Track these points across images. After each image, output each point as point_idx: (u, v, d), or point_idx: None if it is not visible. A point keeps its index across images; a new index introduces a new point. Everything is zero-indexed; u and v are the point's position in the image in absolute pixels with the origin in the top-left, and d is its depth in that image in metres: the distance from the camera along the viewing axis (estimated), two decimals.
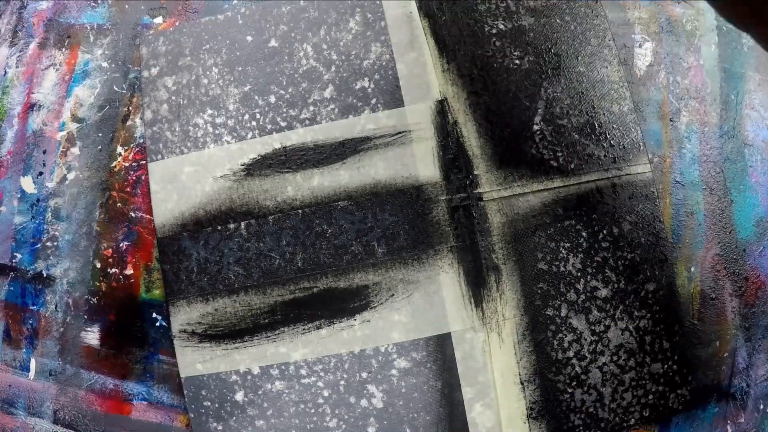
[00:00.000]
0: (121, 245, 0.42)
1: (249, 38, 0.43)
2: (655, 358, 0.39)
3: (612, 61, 0.42)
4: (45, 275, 0.42)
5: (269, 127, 0.41)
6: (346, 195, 0.40)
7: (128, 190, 0.42)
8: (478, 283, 0.39)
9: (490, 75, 0.41)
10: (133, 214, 0.42)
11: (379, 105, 0.41)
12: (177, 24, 0.44)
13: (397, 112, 0.41)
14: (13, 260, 0.42)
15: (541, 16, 0.42)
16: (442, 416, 0.38)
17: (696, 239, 0.41)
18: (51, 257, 0.42)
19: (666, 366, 0.39)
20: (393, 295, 0.39)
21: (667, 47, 0.43)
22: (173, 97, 0.42)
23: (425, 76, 0.41)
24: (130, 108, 0.43)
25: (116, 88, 0.44)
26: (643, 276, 0.39)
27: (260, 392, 0.39)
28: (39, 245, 0.42)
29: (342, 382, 0.39)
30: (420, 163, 0.40)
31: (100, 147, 0.43)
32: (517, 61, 0.41)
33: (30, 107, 0.44)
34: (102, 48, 0.45)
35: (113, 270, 0.41)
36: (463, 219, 0.40)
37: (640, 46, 0.43)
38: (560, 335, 0.39)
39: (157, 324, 0.41)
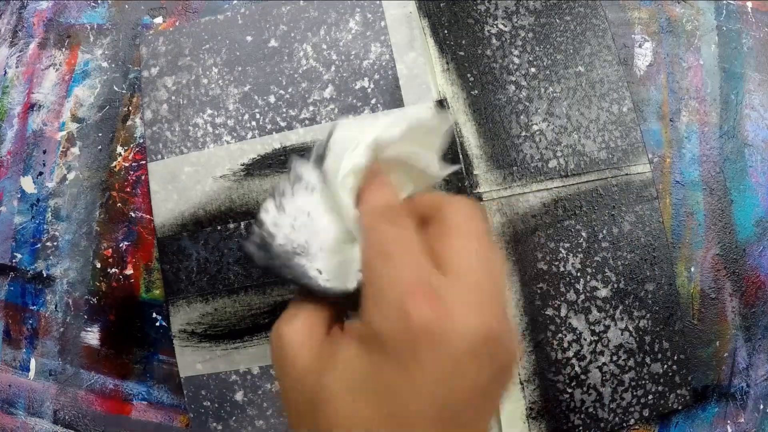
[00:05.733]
0: (121, 245, 0.42)
1: (249, 38, 0.43)
2: (655, 358, 0.39)
3: (612, 61, 0.42)
4: (45, 275, 0.42)
5: (269, 127, 0.41)
6: None
7: (128, 190, 0.42)
8: None
9: (490, 75, 0.41)
10: (133, 214, 0.42)
11: (378, 105, 0.41)
12: (177, 24, 0.44)
13: (396, 112, 0.41)
14: (13, 260, 0.42)
15: (541, 16, 0.42)
16: None
17: (696, 239, 0.41)
18: (51, 257, 0.42)
19: (666, 366, 0.39)
20: None
21: (667, 47, 0.43)
22: (173, 97, 0.42)
23: (425, 76, 0.41)
24: (130, 108, 0.43)
25: (116, 88, 0.44)
26: (642, 276, 0.39)
27: (260, 392, 0.39)
28: (39, 245, 0.42)
29: None
30: None
31: (100, 147, 0.43)
32: (516, 61, 0.41)
33: (30, 107, 0.44)
34: (102, 48, 0.45)
35: (113, 270, 0.41)
36: None
37: (640, 46, 0.43)
38: (560, 335, 0.39)
39: (157, 324, 0.41)
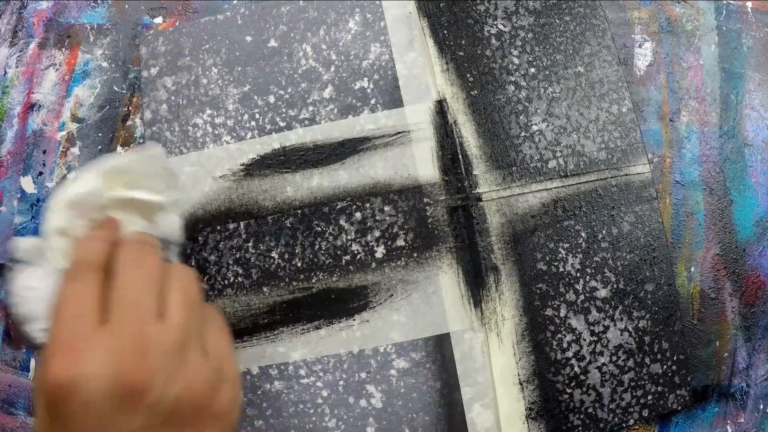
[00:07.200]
0: None
1: (248, 38, 0.43)
2: (655, 358, 0.39)
3: (611, 61, 0.42)
4: None
5: (268, 127, 0.41)
6: (346, 195, 0.40)
7: None
8: (477, 284, 0.39)
9: (489, 75, 0.41)
10: None
11: (378, 105, 0.41)
12: (177, 24, 0.44)
13: (396, 112, 0.41)
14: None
15: (540, 17, 0.42)
16: (440, 416, 0.38)
17: (696, 239, 0.41)
18: None
19: (665, 366, 0.39)
20: (392, 295, 0.39)
21: (667, 47, 0.43)
22: (173, 98, 0.43)
23: (425, 76, 0.41)
24: (130, 108, 0.43)
25: (116, 88, 0.44)
26: (642, 276, 0.39)
27: (259, 392, 0.39)
28: None
29: (341, 383, 0.39)
30: (419, 163, 0.40)
31: (100, 147, 0.43)
32: (516, 61, 0.41)
33: (30, 107, 0.45)
34: (102, 48, 0.45)
35: None
36: (462, 219, 0.40)
37: (640, 46, 0.43)
38: (559, 336, 0.39)
39: None
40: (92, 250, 0.28)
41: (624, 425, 0.39)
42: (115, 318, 0.25)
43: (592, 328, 0.39)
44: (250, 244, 0.40)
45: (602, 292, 0.39)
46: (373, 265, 0.40)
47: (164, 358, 0.25)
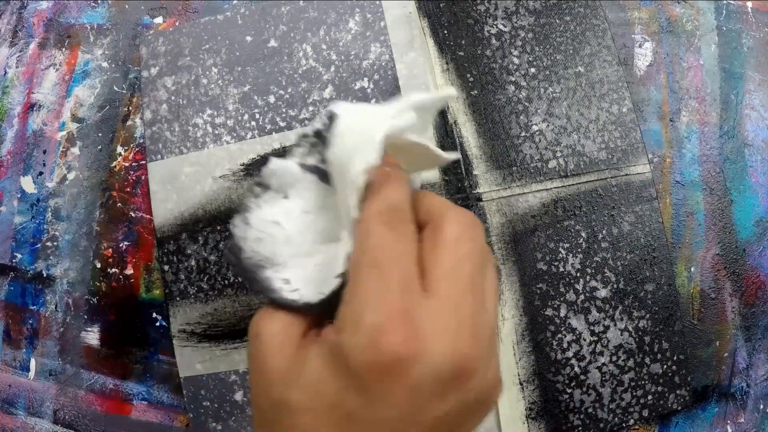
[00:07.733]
0: (121, 245, 0.42)
1: (248, 38, 0.43)
2: (655, 358, 0.39)
3: (612, 62, 0.42)
4: (45, 275, 0.42)
5: (269, 127, 0.41)
6: None
7: (128, 190, 0.42)
8: None
9: (489, 75, 0.41)
10: (133, 214, 0.42)
11: None
12: (177, 24, 0.44)
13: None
14: (13, 260, 0.42)
15: (540, 17, 0.42)
16: None
17: (696, 239, 0.41)
18: (51, 257, 0.42)
19: (665, 366, 0.39)
20: None
21: (667, 47, 0.43)
22: (173, 98, 0.43)
23: (425, 76, 0.41)
24: (130, 108, 0.43)
25: (116, 88, 0.44)
26: (642, 276, 0.39)
27: None
28: (39, 245, 0.42)
29: None
30: None
31: (100, 147, 0.43)
32: (516, 61, 0.41)
33: (30, 107, 0.45)
34: (102, 48, 0.45)
35: (113, 270, 0.42)
36: None
37: (640, 46, 0.43)
38: (559, 336, 0.39)
39: (157, 324, 0.41)
40: (404, 196, 0.25)
41: (624, 425, 0.39)
42: (443, 292, 0.22)
43: (592, 328, 0.39)
44: None
45: (602, 292, 0.39)
46: None
47: (487, 345, 0.23)
